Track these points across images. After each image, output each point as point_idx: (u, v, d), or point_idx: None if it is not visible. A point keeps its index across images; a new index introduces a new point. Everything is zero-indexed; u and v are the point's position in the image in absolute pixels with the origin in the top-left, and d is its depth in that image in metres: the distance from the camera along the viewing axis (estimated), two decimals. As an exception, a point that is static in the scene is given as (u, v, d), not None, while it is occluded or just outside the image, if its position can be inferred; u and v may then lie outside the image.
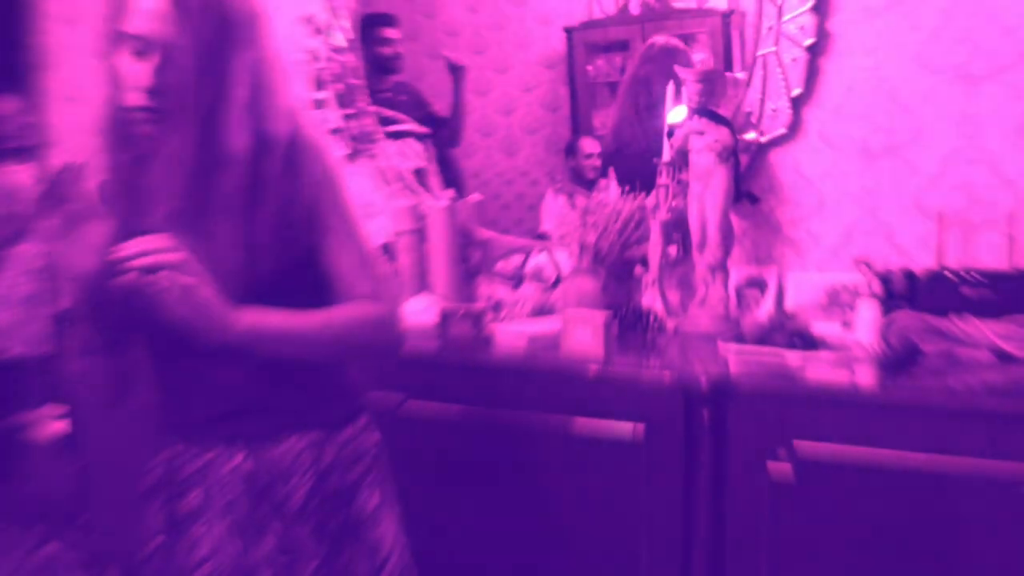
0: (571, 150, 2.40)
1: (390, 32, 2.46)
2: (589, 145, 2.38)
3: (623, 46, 2.33)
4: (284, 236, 1.17)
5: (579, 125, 2.42)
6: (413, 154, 2.42)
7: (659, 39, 2.26)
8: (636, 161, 2.18)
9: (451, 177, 2.45)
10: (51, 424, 2.52)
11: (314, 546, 1.22)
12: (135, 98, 1.11)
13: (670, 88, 1.93)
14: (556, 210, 2.36)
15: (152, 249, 1.05)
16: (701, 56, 2.22)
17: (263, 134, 1.16)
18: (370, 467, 1.29)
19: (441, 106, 2.50)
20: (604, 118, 2.38)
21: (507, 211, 2.42)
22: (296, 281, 1.19)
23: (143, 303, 1.06)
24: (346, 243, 1.20)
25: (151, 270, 1.04)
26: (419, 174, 2.40)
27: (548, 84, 2.44)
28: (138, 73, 1.10)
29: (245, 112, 1.14)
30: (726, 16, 2.13)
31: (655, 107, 2.19)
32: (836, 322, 1.77)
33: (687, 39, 2.24)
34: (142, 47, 1.10)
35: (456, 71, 2.45)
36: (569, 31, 2.38)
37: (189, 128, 1.11)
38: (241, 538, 1.21)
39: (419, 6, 2.49)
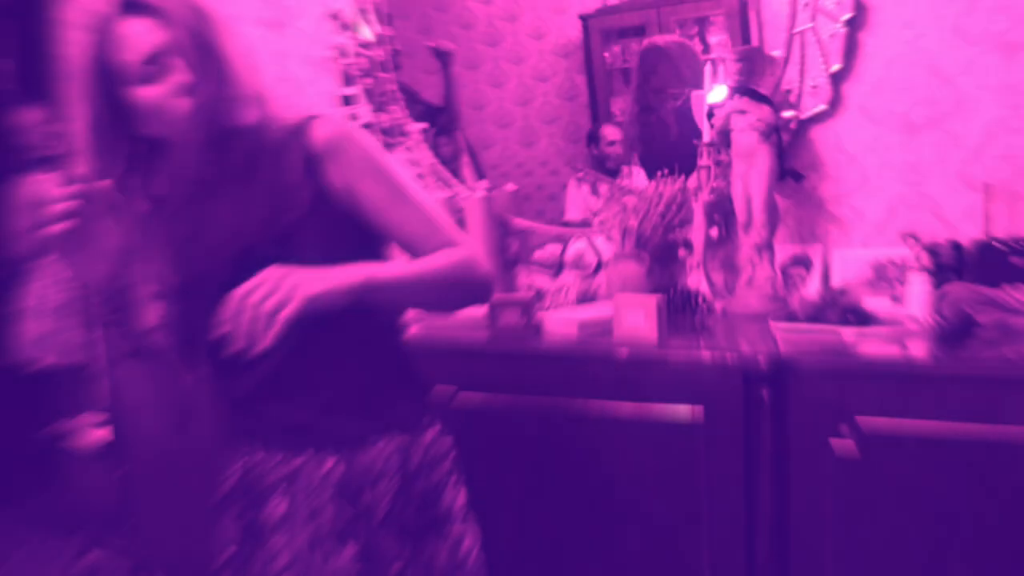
0: (593, 138, 2.39)
1: (386, 29, 2.45)
2: (611, 132, 2.37)
3: (639, 31, 2.31)
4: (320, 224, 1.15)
5: (598, 112, 2.41)
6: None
7: (659, 39, 2.24)
8: (660, 157, 2.15)
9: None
10: (91, 432, 2.52)
11: (398, 548, 1.21)
12: (182, 104, 1.10)
13: (708, 68, 1.92)
14: (580, 199, 2.35)
15: (271, 291, 1.00)
16: (718, 39, 2.20)
17: (230, 122, 1.13)
18: (451, 469, 1.29)
19: (431, 96, 2.47)
20: (623, 104, 2.36)
21: (528, 202, 2.41)
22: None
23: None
24: (405, 209, 1.19)
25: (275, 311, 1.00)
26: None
27: (564, 73, 2.43)
28: (166, 87, 1.09)
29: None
30: (743, -3, 2.12)
31: (651, 103, 2.19)
32: (885, 297, 1.77)
33: (703, 22, 2.22)
34: (155, 69, 1.08)
35: (444, 57, 2.43)
36: (584, 18, 2.36)
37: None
38: (323, 546, 1.19)
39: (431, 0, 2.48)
